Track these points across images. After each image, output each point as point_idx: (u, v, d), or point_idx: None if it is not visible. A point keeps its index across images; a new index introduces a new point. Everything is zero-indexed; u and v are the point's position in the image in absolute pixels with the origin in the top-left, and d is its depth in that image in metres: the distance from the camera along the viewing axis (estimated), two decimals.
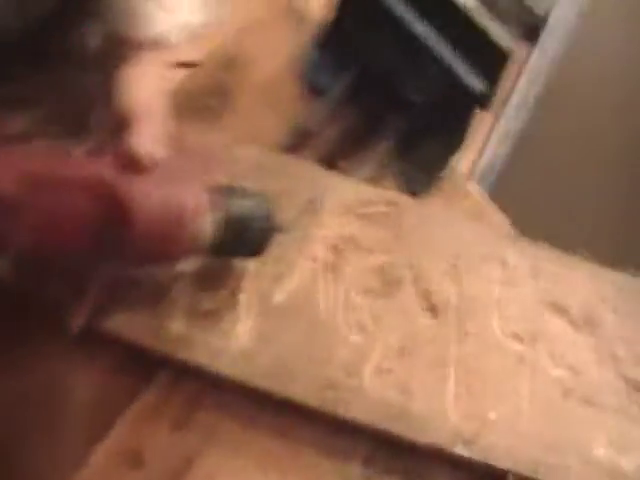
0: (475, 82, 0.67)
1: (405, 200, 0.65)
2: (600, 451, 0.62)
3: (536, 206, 1.06)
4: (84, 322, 0.49)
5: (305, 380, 0.55)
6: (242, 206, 0.53)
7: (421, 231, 0.65)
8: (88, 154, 0.50)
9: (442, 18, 0.69)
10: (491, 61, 0.69)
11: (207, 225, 0.50)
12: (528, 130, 0.86)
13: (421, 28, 0.68)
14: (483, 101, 0.68)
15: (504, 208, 0.75)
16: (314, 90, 0.71)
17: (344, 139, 0.69)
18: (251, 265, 0.56)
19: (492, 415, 0.59)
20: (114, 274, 0.50)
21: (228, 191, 0.53)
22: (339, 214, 0.62)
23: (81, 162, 0.49)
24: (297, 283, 0.58)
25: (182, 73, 0.59)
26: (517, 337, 0.65)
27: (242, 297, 0.55)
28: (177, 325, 0.52)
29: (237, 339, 0.54)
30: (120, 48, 0.57)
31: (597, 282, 0.72)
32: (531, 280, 0.69)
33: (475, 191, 0.75)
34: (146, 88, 0.53)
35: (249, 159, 0.61)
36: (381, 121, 0.72)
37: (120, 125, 0.51)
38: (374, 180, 0.69)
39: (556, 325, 0.69)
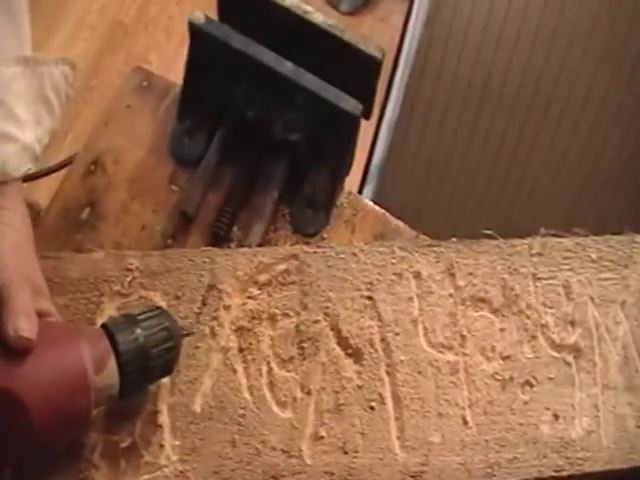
0: (349, 103, 0.64)
1: (302, 249, 0.61)
2: (548, 428, 0.61)
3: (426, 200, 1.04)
4: None
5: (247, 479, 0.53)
6: (139, 335, 0.49)
7: (328, 275, 0.62)
8: None
9: (304, 43, 0.65)
10: (365, 71, 0.66)
11: (111, 371, 0.47)
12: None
13: (279, 63, 0.64)
14: (361, 117, 0.65)
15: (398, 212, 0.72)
16: (188, 162, 0.65)
17: (229, 203, 0.63)
18: (165, 380, 0.53)
19: (436, 438, 0.58)
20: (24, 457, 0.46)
21: (119, 323, 0.50)
22: (240, 291, 0.59)
23: None
24: (215, 382, 0.55)
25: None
26: (446, 346, 0.64)
27: (161, 418, 0.52)
28: (102, 476, 0.48)
29: (167, 466, 0.50)
30: None
31: (511, 257, 0.70)
32: (447, 282, 0.67)
33: (373, 208, 0.73)
34: (5, 252, 0.48)
35: (135, 267, 0.56)
36: (263, 170, 0.66)
37: None
38: (271, 233, 0.64)
39: (481, 319, 0.67)
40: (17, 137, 0.52)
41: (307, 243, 0.67)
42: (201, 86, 0.67)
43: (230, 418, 0.55)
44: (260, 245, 0.64)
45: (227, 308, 0.59)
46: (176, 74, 0.70)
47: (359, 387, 0.59)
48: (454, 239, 0.71)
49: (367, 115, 0.69)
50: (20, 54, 0.53)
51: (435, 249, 0.69)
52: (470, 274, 0.69)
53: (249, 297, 0.60)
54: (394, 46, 1.11)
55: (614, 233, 0.75)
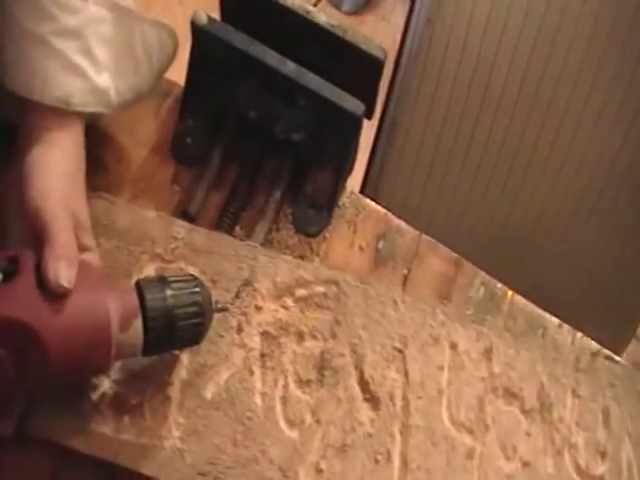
0: (351, 103, 0.84)
1: (345, 279, 0.82)
2: None
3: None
4: (15, 427, 0.64)
5: None
6: (169, 297, 0.66)
7: (364, 313, 0.82)
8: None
9: (306, 43, 0.87)
10: (366, 71, 0.87)
11: (135, 330, 0.65)
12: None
13: (281, 63, 0.85)
14: (364, 117, 0.86)
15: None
16: (190, 162, 0.88)
17: (231, 203, 0.87)
18: (184, 356, 0.72)
19: None
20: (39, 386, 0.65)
21: (151, 284, 0.68)
22: (275, 297, 0.79)
23: None
24: (230, 376, 0.74)
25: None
26: (467, 428, 0.83)
27: (172, 392, 0.71)
28: (104, 424, 0.67)
29: (167, 438, 0.69)
30: (23, 113, 0.71)
31: (555, 363, 0.90)
32: (482, 365, 0.87)
33: (375, 208, 0.95)
34: (54, 179, 0.68)
35: (181, 236, 0.77)
36: (266, 170, 0.90)
37: (31, 228, 0.65)
38: (273, 232, 0.88)
39: (508, 413, 0.87)
40: (89, 75, 0.72)
41: (310, 245, 0.89)
42: (203, 86, 0.89)
43: (237, 416, 0.74)
44: (262, 245, 0.84)
45: (258, 309, 0.79)
46: (177, 74, 0.91)
47: (369, 435, 0.79)
48: (493, 319, 0.92)
49: (369, 115, 0.90)
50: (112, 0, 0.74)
51: (477, 327, 0.90)
52: (508, 364, 0.90)
53: (282, 306, 0.80)
54: (396, 46, 1.39)
55: None
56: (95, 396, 0.69)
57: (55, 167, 0.69)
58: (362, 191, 1.04)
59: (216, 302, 0.72)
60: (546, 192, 1.29)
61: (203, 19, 0.84)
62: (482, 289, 0.97)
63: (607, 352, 0.97)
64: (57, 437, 0.66)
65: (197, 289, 0.69)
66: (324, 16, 0.86)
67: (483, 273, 0.97)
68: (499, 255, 1.25)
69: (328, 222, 0.91)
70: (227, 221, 0.87)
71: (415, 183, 1.28)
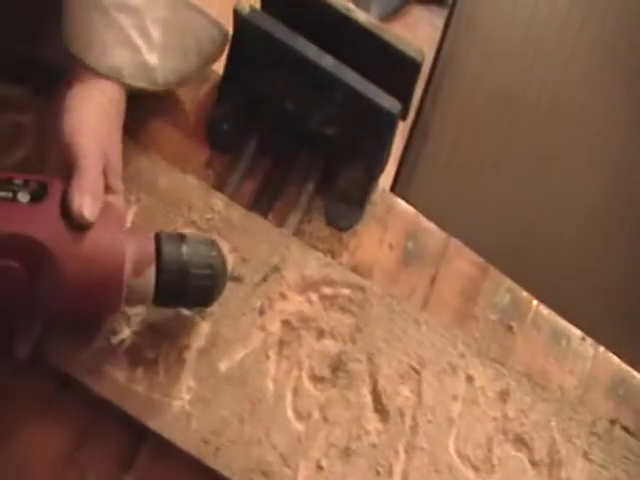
0: (388, 101, 0.92)
1: (372, 287, 0.89)
2: None
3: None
4: (29, 351, 0.71)
5: (237, 457, 0.77)
6: (185, 254, 0.74)
7: (386, 325, 0.89)
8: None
9: (343, 40, 0.95)
10: (403, 72, 0.96)
11: (148, 278, 0.73)
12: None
13: (320, 57, 0.93)
14: (399, 117, 0.94)
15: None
16: (225, 148, 0.97)
17: (263, 191, 0.95)
18: (205, 324, 0.79)
19: None
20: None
21: (170, 238, 0.76)
22: (301, 289, 0.86)
23: (8, 215, 0.69)
24: (247, 354, 0.80)
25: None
26: (472, 463, 0.89)
27: (188, 355, 0.77)
28: (119, 370, 0.74)
29: (176, 398, 0.76)
30: (74, 64, 0.81)
31: (570, 421, 0.97)
32: (497, 405, 0.93)
33: (405, 208, 1.03)
34: (90, 118, 0.77)
35: (218, 209, 0.85)
36: (300, 162, 0.99)
37: (63, 161, 0.74)
38: (305, 223, 0.95)
39: (516, 460, 0.93)
40: (142, 51, 0.83)
41: (340, 238, 0.96)
42: (242, 74, 0.97)
43: (247, 395, 0.80)
44: (294, 235, 0.92)
45: (283, 297, 0.86)
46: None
47: (374, 445, 0.85)
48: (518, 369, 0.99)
49: (404, 115, 0.98)
50: None
51: (498, 367, 0.97)
52: (522, 412, 0.96)
53: (307, 300, 0.87)
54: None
55: None
56: (114, 341, 0.75)
57: (93, 107, 0.78)
58: (392, 190, 1.12)
59: (232, 270, 0.80)
60: (576, 204, 1.37)
61: (246, 9, 0.92)
62: (508, 296, 1.03)
63: (625, 423, 1.03)
64: (71, 370, 0.73)
65: (214, 253, 0.77)
66: (364, 14, 0.95)
67: (509, 280, 1.04)
68: (524, 264, 1.32)
69: (359, 217, 0.99)
70: (260, 209, 0.94)
71: (445, 186, 1.37)
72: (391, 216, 1.02)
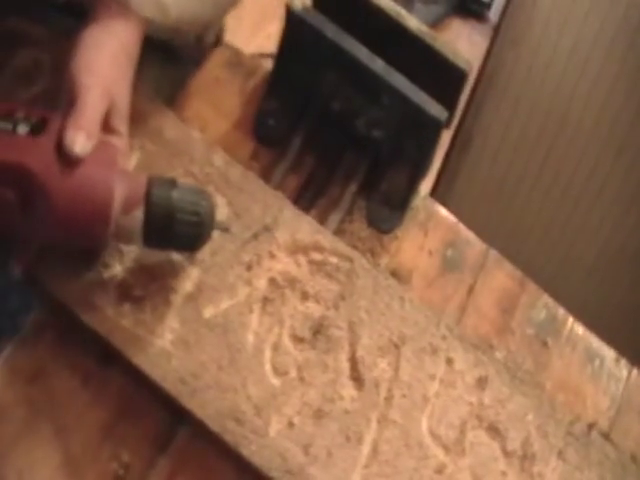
0: (435, 108, 1.06)
1: (360, 259, 1.05)
2: None
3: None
4: (23, 270, 0.88)
5: (213, 401, 0.92)
6: (174, 198, 0.87)
7: (370, 298, 1.04)
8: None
9: (392, 44, 1.10)
10: (449, 81, 1.10)
11: (136, 217, 0.87)
12: None
13: (371, 59, 1.07)
14: (445, 124, 1.08)
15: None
16: (270, 143, 1.13)
17: (307, 187, 1.11)
18: (194, 271, 0.96)
19: None
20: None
21: (161, 182, 0.88)
22: (290, 251, 1.02)
23: (4, 145, 0.82)
24: (231, 305, 0.96)
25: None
26: (443, 443, 1.03)
27: (174, 298, 0.94)
28: (107, 303, 0.91)
29: (159, 337, 0.92)
30: (91, 8, 0.93)
31: (547, 419, 1.11)
32: (474, 391, 1.08)
33: (446, 216, 1.19)
34: (99, 59, 0.89)
35: (219, 165, 1.02)
36: (344, 162, 1.15)
37: (67, 98, 0.86)
38: (346, 223, 1.12)
39: (488, 447, 1.07)
40: None
41: (380, 241, 1.12)
42: (291, 70, 1.11)
43: (227, 344, 0.95)
44: (335, 233, 1.07)
45: (272, 256, 1.02)
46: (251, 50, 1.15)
47: (347, 411, 0.99)
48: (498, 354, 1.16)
49: (448, 123, 1.11)
50: None
51: (480, 354, 1.12)
52: (499, 401, 1.10)
53: (295, 262, 1.03)
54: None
55: None
56: (105, 275, 0.92)
57: (104, 49, 0.90)
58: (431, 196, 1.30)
59: (220, 221, 0.94)
60: (611, 227, 1.54)
61: (298, 5, 1.07)
62: (544, 311, 1.19)
63: (605, 431, 1.19)
64: (60, 296, 0.89)
65: (203, 202, 0.90)
66: (415, 20, 1.09)
67: (546, 295, 1.19)
68: (560, 283, 1.47)
69: (400, 221, 1.15)
70: (302, 205, 1.09)
71: (483, 199, 1.54)
72: (432, 223, 1.18)
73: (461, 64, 1.08)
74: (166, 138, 1.00)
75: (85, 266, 0.90)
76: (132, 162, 0.97)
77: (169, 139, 1.00)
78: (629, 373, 1.19)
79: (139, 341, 0.90)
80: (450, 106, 1.10)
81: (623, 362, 1.20)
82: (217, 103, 1.12)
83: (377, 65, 1.06)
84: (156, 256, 0.93)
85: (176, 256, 0.95)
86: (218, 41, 1.13)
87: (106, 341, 0.89)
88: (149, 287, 0.92)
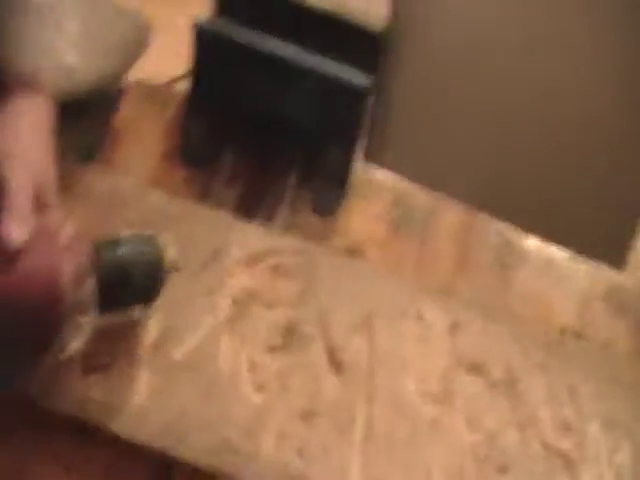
0: (357, 77, 0.88)
1: (315, 249, 0.85)
2: None
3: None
4: None
5: (199, 441, 0.73)
6: (122, 256, 0.70)
7: (333, 282, 0.85)
8: None
9: (301, 28, 0.91)
10: (366, 46, 0.91)
11: (89, 288, 0.69)
12: None
13: (284, 48, 0.89)
14: (370, 89, 0.89)
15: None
16: (201, 163, 0.92)
17: (247, 196, 0.90)
18: (155, 318, 0.75)
19: None
20: None
21: (106, 244, 0.72)
22: (245, 265, 0.82)
23: None
24: (198, 339, 0.77)
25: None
26: (431, 398, 0.86)
27: (142, 352, 0.74)
28: (74, 381, 0.70)
29: (133, 396, 0.72)
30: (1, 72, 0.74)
31: (523, 339, 0.93)
32: (449, 338, 0.89)
33: (385, 177, 1.00)
34: (19, 140, 0.71)
35: (156, 204, 0.80)
36: (280, 157, 0.94)
37: None
38: (293, 217, 0.90)
39: (474, 386, 0.89)
40: (58, 49, 0.76)
41: (329, 223, 0.93)
42: (209, 86, 0.92)
43: (203, 379, 0.76)
44: (284, 231, 0.88)
45: (230, 275, 0.82)
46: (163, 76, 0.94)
47: (333, 402, 0.81)
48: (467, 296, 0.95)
49: (373, 88, 0.93)
50: None
51: (447, 300, 0.93)
52: (475, 339, 0.92)
53: (253, 274, 0.83)
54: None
55: None
56: (67, 354, 0.71)
57: (21, 129, 0.72)
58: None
59: (170, 263, 0.75)
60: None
61: (205, 21, 0.87)
62: (497, 236, 1.01)
63: (578, 330, 0.99)
64: (28, 392, 0.69)
65: (150, 249, 0.73)
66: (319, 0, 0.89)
67: (497, 221, 1.01)
68: (510, 198, 1.26)
69: (343, 199, 0.95)
70: (246, 212, 0.90)
71: (416, 147, 1.31)
72: (373, 189, 0.98)
73: (374, 27, 0.90)
74: (97, 195, 0.79)
75: (44, 355, 0.69)
76: (69, 231, 0.74)
77: (100, 195, 0.79)
78: (586, 267, 1.03)
79: (114, 408, 0.72)
80: (372, 70, 0.90)
81: (578, 259, 1.03)
82: (140, 142, 0.91)
83: (292, 53, 0.88)
84: (114, 317, 0.73)
85: (134, 311, 0.76)
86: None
87: (81, 420, 0.68)
88: (113, 350, 0.74)
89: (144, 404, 0.72)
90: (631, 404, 0.93)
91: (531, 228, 1.03)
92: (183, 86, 0.95)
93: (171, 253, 0.76)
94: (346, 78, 0.88)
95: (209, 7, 0.93)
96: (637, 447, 0.90)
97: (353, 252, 0.91)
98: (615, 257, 1.24)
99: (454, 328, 0.90)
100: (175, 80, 1.00)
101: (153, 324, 0.76)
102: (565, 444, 0.90)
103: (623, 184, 1.34)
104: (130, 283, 0.71)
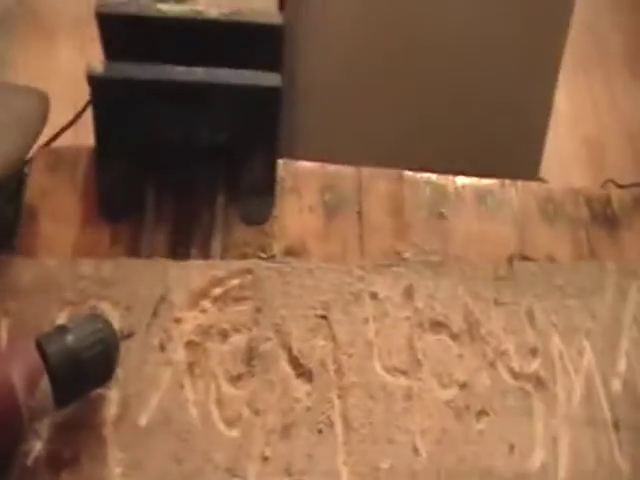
0: (268, 78, 0.73)
1: (257, 264, 0.72)
2: (502, 460, 0.70)
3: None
4: None
5: None
6: (71, 343, 0.57)
7: (282, 291, 0.72)
8: None
9: (202, 44, 0.74)
10: (270, 43, 0.75)
11: (44, 389, 0.56)
12: None
13: (189, 73, 0.72)
14: (283, 88, 0.74)
15: None
16: (124, 215, 0.75)
17: (178, 233, 0.75)
18: (112, 392, 0.62)
19: (385, 464, 0.67)
20: None
21: (50, 336, 0.58)
22: (192, 304, 0.68)
23: None
24: (161, 396, 0.64)
25: None
26: (400, 370, 0.74)
27: (106, 430, 0.61)
28: None
29: (109, 479, 0.59)
30: None
31: (473, 281, 0.81)
32: (405, 305, 0.76)
33: (308, 166, 0.84)
34: None
35: (87, 274, 0.68)
36: (201, 185, 0.79)
37: None
38: (228, 237, 0.76)
39: (438, 343, 0.77)
40: None
41: (264, 231, 0.78)
42: (115, 133, 0.75)
43: (175, 434, 0.64)
44: (223, 257, 0.74)
45: (178, 321, 0.68)
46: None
47: (308, 408, 0.69)
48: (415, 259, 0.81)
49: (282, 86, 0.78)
50: None
51: (394, 269, 0.79)
52: (430, 296, 0.79)
53: (201, 311, 0.69)
54: None
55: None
56: (29, 462, 0.58)
57: None
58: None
59: (121, 331, 0.62)
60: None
61: (99, 68, 0.70)
62: (427, 188, 0.86)
63: (523, 253, 0.86)
64: None
65: (98, 325, 0.60)
66: (214, 8, 0.73)
67: (423, 174, 0.87)
68: (427, 150, 1.11)
69: (273, 202, 0.80)
70: (180, 252, 0.75)
71: (330, 128, 1.13)
72: (299, 181, 0.82)
73: (273, 21, 0.73)
74: (26, 284, 0.66)
75: (3, 471, 0.55)
76: (3, 334, 0.60)
77: (28, 284, 0.66)
78: (516, 190, 0.88)
79: None
80: (277, 67, 0.74)
81: (507, 183, 0.88)
82: (56, 213, 0.74)
83: (198, 75, 0.71)
84: (70, 407, 0.58)
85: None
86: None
87: None
88: (77, 440, 0.62)
89: None
90: (583, 305, 0.82)
91: (457, 169, 0.89)
92: (77, 139, 0.78)
93: (116, 321, 0.62)
94: (256, 82, 0.73)
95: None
96: (596, 343, 0.80)
97: (295, 252, 0.77)
98: (534, 172, 1.11)
99: (408, 295, 0.78)
100: (61, 132, 0.82)
101: (112, 397, 0.63)
102: (533, 367, 0.79)
103: (528, 104, 1.17)
104: (86, 369, 0.58)
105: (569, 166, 1.92)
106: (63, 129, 0.83)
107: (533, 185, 0.91)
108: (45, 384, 0.56)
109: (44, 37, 1.73)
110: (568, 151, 1.97)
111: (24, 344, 0.59)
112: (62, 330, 0.59)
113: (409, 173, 0.86)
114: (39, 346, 0.57)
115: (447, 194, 0.87)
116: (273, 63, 0.74)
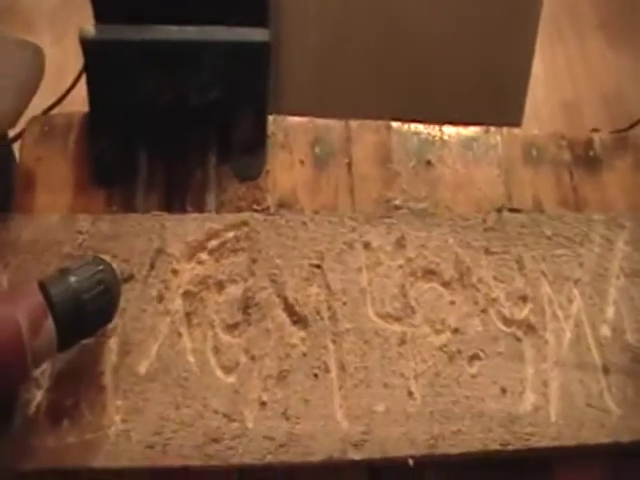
0: (256, 33, 0.68)
1: (253, 216, 0.68)
2: (494, 403, 0.67)
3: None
4: None
5: (186, 441, 0.59)
6: (73, 283, 0.54)
7: (277, 243, 0.68)
8: None
9: (185, 5, 0.70)
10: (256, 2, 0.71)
11: (48, 329, 0.52)
12: None
13: (180, 32, 0.68)
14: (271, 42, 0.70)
15: None
16: (118, 178, 0.71)
17: (172, 191, 0.71)
18: (112, 341, 0.59)
19: (380, 408, 0.64)
20: None
21: (53, 278, 0.55)
22: (189, 256, 0.65)
23: None
24: (160, 345, 0.61)
25: None
26: (394, 317, 0.70)
27: (105, 379, 0.58)
28: (46, 434, 0.55)
29: (109, 426, 0.57)
30: None
31: (464, 231, 0.78)
32: (397, 254, 0.73)
33: (299, 122, 0.80)
34: None
35: (85, 229, 0.65)
36: (193, 145, 0.74)
37: None
38: (222, 193, 0.72)
39: (430, 290, 0.74)
40: None
41: (258, 186, 0.74)
42: (109, 96, 0.71)
43: (174, 381, 0.61)
44: (218, 211, 0.70)
45: (175, 272, 0.65)
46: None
47: (304, 354, 0.66)
48: (406, 211, 0.77)
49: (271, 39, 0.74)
50: None
51: (387, 220, 0.75)
52: (421, 246, 0.75)
53: (198, 262, 0.66)
54: None
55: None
56: (31, 411, 0.55)
57: None
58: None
59: (122, 272, 0.59)
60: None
61: (91, 31, 0.65)
62: (414, 138, 0.82)
63: (511, 205, 0.82)
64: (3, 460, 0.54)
65: (100, 267, 0.56)
66: None
67: (410, 124, 0.82)
68: (415, 101, 1.06)
69: (265, 158, 0.75)
70: (175, 209, 0.71)
71: (317, 83, 1.08)
72: (290, 136, 0.78)
73: None
74: (25, 241, 0.63)
75: (6, 419, 0.52)
76: (4, 285, 0.57)
77: (28, 240, 0.62)
78: (501, 136, 0.84)
79: (93, 444, 0.56)
80: (264, 23, 0.70)
81: (492, 130, 0.84)
82: (51, 177, 0.70)
83: (190, 33, 0.67)
84: (69, 356, 0.56)
85: (87, 341, 0.58)
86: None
87: (62, 470, 0.53)
88: (77, 388, 0.58)
89: (121, 431, 0.58)
90: (571, 255, 0.78)
91: (443, 118, 0.84)
92: (76, 107, 0.73)
93: (116, 268, 0.59)
94: (245, 38, 0.68)
95: None
96: (584, 291, 0.76)
97: (287, 205, 0.73)
98: (517, 117, 1.07)
99: (400, 244, 0.74)
100: (60, 100, 0.78)
101: (111, 347, 0.60)
102: (523, 314, 0.75)
103: (510, 52, 1.12)
104: (88, 309, 0.55)
105: (547, 130, 1.88)
106: (60, 99, 0.79)
107: (517, 131, 0.86)
108: (49, 324, 0.53)
109: (23, 28, 1.69)
110: (546, 115, 1.93)
111: (27, 285, 0.55)
112: (64, 272, 0.55)
113: (396, 124, 0.82)
114: (42, 288, 0.54)
115: (434, 142, 0.82)
116: (260, 18, 0.70)
